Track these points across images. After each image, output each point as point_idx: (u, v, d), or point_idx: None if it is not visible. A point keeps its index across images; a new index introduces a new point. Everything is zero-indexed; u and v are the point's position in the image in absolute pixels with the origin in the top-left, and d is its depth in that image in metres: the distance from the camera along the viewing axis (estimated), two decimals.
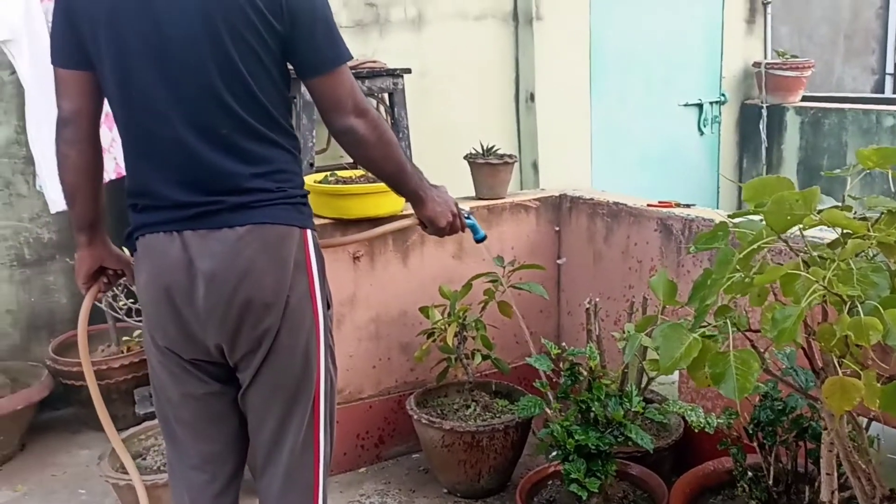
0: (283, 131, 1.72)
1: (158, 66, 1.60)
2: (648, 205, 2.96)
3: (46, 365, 3.44)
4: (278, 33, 1.63)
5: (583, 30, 4.67)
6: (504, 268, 2.91)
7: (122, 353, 3.50)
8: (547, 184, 4.51)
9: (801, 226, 1.31)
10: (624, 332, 2.46)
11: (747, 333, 1.46)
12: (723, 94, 5.19)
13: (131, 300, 2.68)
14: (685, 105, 5.10)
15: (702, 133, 5.18)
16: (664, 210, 2.88)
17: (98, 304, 2.79)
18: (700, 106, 5.14)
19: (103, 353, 3.54)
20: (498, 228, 3.23)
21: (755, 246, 1.27)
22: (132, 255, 1.76)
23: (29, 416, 3.31)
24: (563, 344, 2.61)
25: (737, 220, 1.45)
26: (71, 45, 1.64)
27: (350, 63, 1.76)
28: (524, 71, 4.62)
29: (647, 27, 4.87)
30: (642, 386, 2.57)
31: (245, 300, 1.66)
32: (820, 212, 1.32)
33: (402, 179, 1.90)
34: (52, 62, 1.68)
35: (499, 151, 3.29)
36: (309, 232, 1.76)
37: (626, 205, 3.03)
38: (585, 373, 2.34)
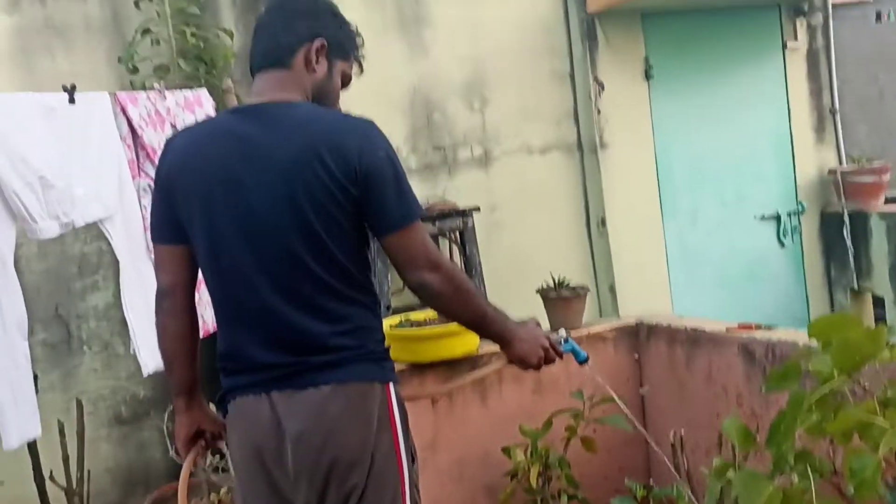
0: (362, 288, 1.78)
1: (245, 237, 1.70)
2: (728, 329, 2.89)
3: None
4: (353, 196, 1.69)
5: (648, 153, 4.74)
6: (585, 402, 2.86)
7: None
8: (626, 307, 4.48)
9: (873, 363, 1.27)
10: (712, 470, 2.35)
11: (833, 478, 1.39)
12: (800, 204, 5.11)
13: (217, 456, 2.73)
14: (762, 218, 5.04)
15: (783, 245, 5.07)
16: (745, 334, 2.80)
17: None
18: (777, 217, 5.06)
19: None
20: (575, 361, 3.19)
21: (826, 390, 1.22)
22: (224, 417, 1.83)
23: None
24: (651, 481, 2.52)
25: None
26: (168, 222, 1.78)
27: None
28: (593, 197, 4.69)
29: (714, 143, 4.90)
30: None
31: (332, 459, 1.69)
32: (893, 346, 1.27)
33: (483, 325, 1.90)
34: (152, 239, 1.83)
35: (570, 284, 3.31)
36: (391, 386, 1.78)
37: (704, 330, 2.97)
38: None
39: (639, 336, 3.29)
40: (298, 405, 1.70)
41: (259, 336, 1.73)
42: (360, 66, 1.90)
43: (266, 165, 1.69)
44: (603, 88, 4.51)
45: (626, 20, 4.67)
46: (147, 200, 2.87)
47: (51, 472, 3.26)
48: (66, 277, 3.68)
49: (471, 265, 3.86)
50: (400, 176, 1.74)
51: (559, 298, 3.21)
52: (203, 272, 1.81)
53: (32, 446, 3.17)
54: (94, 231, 3.64)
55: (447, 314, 1.87)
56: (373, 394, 1.74)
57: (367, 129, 1.72)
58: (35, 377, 3.15)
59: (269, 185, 1.68)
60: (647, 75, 4.71)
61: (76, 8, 3.69)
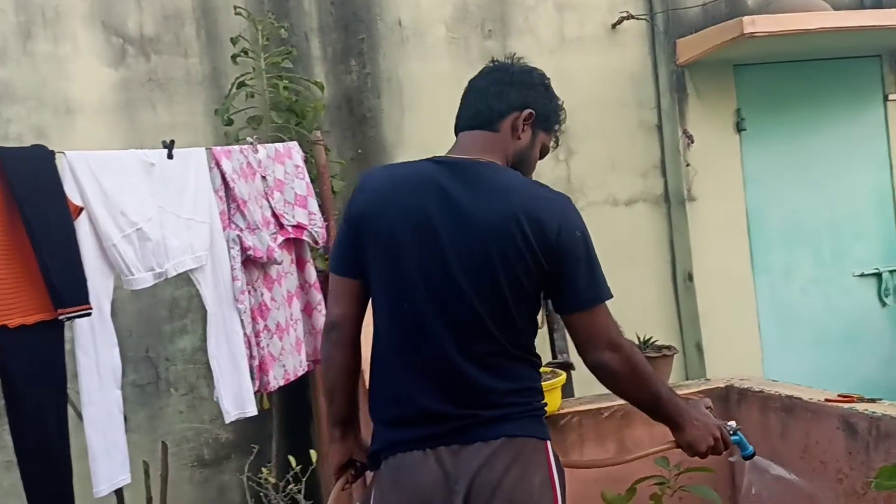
0: (531, 349, 1.82)
1: (430, 287, 1.73)
2: (827, 400, 2.73)
3: None
4: (545, 270, 1.73)
5: (739, 206, 4.59)
6: (670, 469, 2.74)
7: None
8: (714, 368, 4.31)
9: None
10: None
11: None
12: None
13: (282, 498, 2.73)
14: (861, 275, 4.79)
15: (884, 304, 4.81)
16: (845, 406, 2.64)
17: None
18: (879, 275, 4.81)
19: None
20: (661, 426, 3.07)
21: None
22: (373, 469, 1.82)
23: None
24: None
25: None
26: (351, 256, 1.81)
27: None
28: (680, 251, 4.57)
29: (810, 198, 4.71)
30: None
31: None
32: None
33: (657, 407, 1.92)
34: (331, 269, 1.86)
35: (657, 343, 3.20)
36: (549, 444, 1.80)
37: (801, 399, 2.81)
38: None
39: (729, 399, 3.14)
40: (468, 459, 1.70)
41: (432, 385, 1.74)
42: (557, 140, 1.97)
43: (464, 221, 1.72)
44: (692, 141, 4.41)
45: (718, 71, 4.57)
46: (236, 251, 2.94)
47: None
48: (156, 320, 3.79)
49: (552, 320, 3.79)
50: (592, 256, 1.77)
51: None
52: (377, 312, 1.81)
53: (118, 489, 3.25)
54: (185, 275, 3.75)
55: (623, 395, 1.88)
56: (539, 450, 1.76)
57: (565, 206, 1.77)
58: (124, 418, 3.26)
59: (464, 241, 1.72)
60: (739, 127, 4.58)
61: (178, 63, 3.86)
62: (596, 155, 4.52)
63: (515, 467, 1.71)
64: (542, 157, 1.95)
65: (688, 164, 4.43)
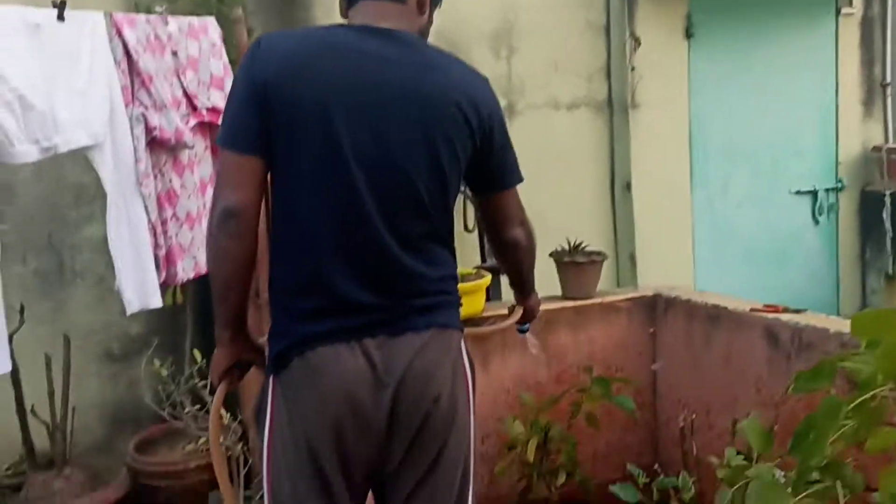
0: (452, 237, 1.75)
1: (365, 166, 1.58)
2: (752, 309, 2.68)
3: (126, 463, 3.41)
4: (476, 150, 1.69)
5: (682, 116, 4.48)
6: (592, 377, 2.69)
7: (201, 452, 3.42)
8: (645, 278, 4.27)
9: None
10: (723, 460, 2.17)
11: (865, 495, 1.19)
12: (840, 181, 4.83)
13: (196, 407, 2.60)
14: (797, 193, 4.77)
15: (817, 222, 4.81)
16: (770, 316, 2.59)
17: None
18: (814, 193, 4.79)
19: (184, 452, 3.48)
20: (586, 331, 3.01)
21: (866, 396, 1.03)
22: (278, 370, 1.63)
23: None
24: (657, 466, 2.35)
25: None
26: (254, 130, 1.57)
27: None
28: (620, 159, 4.45)
29: (753, 111, 4.62)
30: None
31: (429, 406, 1.62)
32: None
33: (531, 275, 2.06)
34: (226, 144, 1.59)
35: (587, 248, 3.10)
36: (462, 337, 1.75)
37: (726, 308, 2.76)
38: None
39: (656, 308, 3.09)
40: (397, 350, 1.60)
41: (357, 271, 1.60)
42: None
43: (401, 95, 1.60)
44: (639, 44, 4.24)
45: None
46: (139, 130, 2.69)
47: (32, 407, 3.16)
48: (61, 206, 3.53)
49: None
50: (509, 138, 1.79)
51: (573, 263, 3.00)
52: (287, 194, 1.61)
53: (15, 378, 3.06)
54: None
55: (519, 265, 1.99)
56: (458, 341, 1.71)
57: (489, 86, 1.75)
58: (21, 308, 3.04)
59: (402, 116, 1.60)
60: (688, 33, 4.41)
61: None
62: (539, 54, 4.31)
63: (444, 360, 1.65)
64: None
65: (633, 69, 4.26)
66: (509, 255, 1.94)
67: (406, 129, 1.60)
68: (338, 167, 1.58)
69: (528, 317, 2.24)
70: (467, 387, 1.72)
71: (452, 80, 1.66)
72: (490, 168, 1.74)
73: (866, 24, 4.82)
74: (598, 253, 3.06)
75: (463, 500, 1.72)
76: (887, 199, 4.71)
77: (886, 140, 4.89)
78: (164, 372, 2.61)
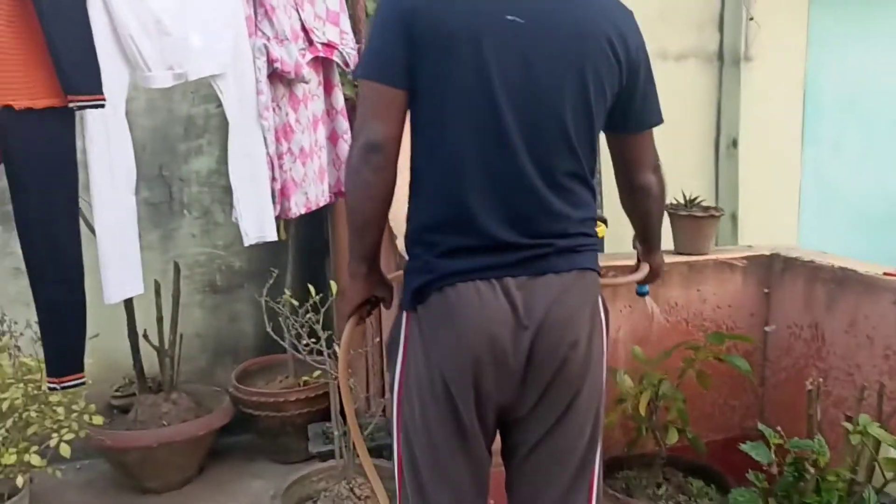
0: (593, 177, 1.70)
1: (515, 99, 1.54)
2: (885, 273, 2.56)
3: (228, 392, 3.50)
4: (622, 85, 1.63)
5: (797, 71, 4.26)
6: (707, 336, 2.62)
7: (300, 385, 3.49)
8: (746, 238, 4.13)
9: None
10: (856, 424, 2.10)
11: None
12: None
13: (313, 339, 2.62)
14: None
15: None
16: None
17: (273, 336, 2.77)
18: None
19: (280, 385, 3.56)
20: (699, 287, 2.93)
21: None
22: (415, 305, 1.62)
23: (209, 441, 3.36)
24: (779, 429, 2.27)
25: None
26: (400, 62, 1.54)
27: None
28: (727, 114, 4.28)
29: (873, 69, 4.36)
30: (877, 487, 2.18)
31: (565, 353, 1.58)
32: None
33: (660, 227, 1.97)
34: (373, 77, 1.55)
35: (703, 203, 3.00)
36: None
37: (855, 271, 2.64)
38: (812, 469, 2.00)
39: (772, 268, 2.98)
40: (539, 291, 1.56)
41: (502, 209, 1.56)
42: None
43: (550, 27, 1.55)
44: None
45: None
46: (262, 62, 2.68)
47: (145, 332, 3.25)
48: (171, 138, 3.58)
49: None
50: (652, 75, 1.72)
51: (690, 217, 2.91)
52: (437, 123, 1.57)
53: (129, 304, 3.15)
54: (203, 91, 3.52)
55: (649, 214, 1.90)
56: (597, 285, 1.67)
57: (634, 20, 1.68)
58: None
59: (552, 49, 1.54)
60: None
61: None
62: (647, 1, 4.13)
63: (585, 304, 1.61)
64: None
65: (751, 18, 4.07)
66: (641, 202, 1.85)
67: (556, 62, 1.55)
68: (486, 98, 1.53)
69: (652, 276, 2.09)
70: (602, 333, 1.69)
71: (602, 12, 1.60)
72: (633, 106, 1.68)
73: None
74: (716, 208, 2.96)
75: (592, 449, 1.70)
76: None
77: None
78: (294, 301, 2.62)
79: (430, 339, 1.60)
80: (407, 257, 1.70)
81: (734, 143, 4.25)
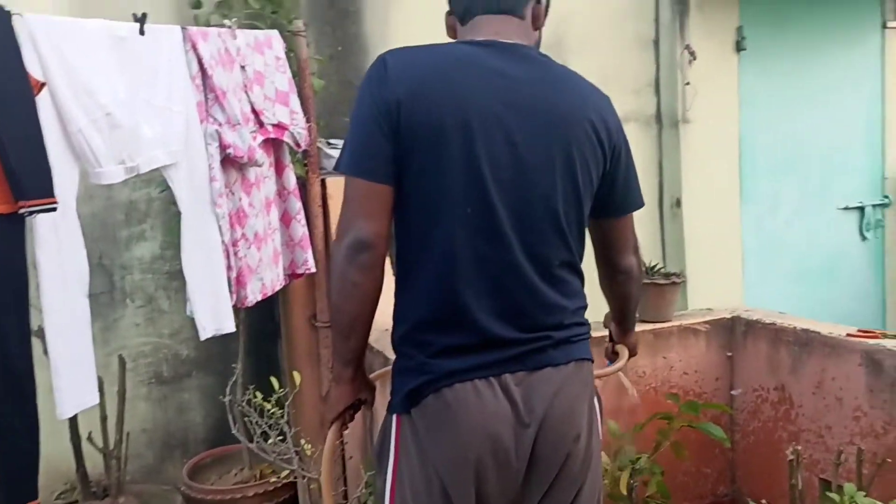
0: (580, 265, 1.66)
1: (507, 190, 1.50)
2: (848, 334, 2.60)
3: (180, 490, 3.29)
4: (604, 171, 1.61)
5: (732, 131, 4.40)
6: (679, 404, 2.60)
7: (256, 478, 3.31)
8: (695, 296, 4.18)
9: None
10: (841, 494, 2.09)
11: None
12: (886, 196, 4.77)
13: (280, 437, 2.49)
14: (845, 209, 4.70)
15: (864, 238, 4.75)
16: (870, 341, 2.51)
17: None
18: (861, 209, 4.73)
19: (236, 478, 3.37)
20: (666, 355, 2.92)
21: None
22: (408, 408, 1.53)
23: None
24: (763, 502, 2.26)
25: None
26: (387, 156, 1.48)
27: None
28: (669, 176, 4.37)
29: (802, 127, 4.55)
30: None
31: (569, 447, 1.55)
32: None
33: (636, 307, 1.94)
34: (357, 174, 1.49)
35: (662, 269, 3.02)
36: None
37: (819, 333, 2.68)
38: None
39: (734, 331, 3.01)
40: (538, 386, 1.52)
41: (496, 303, 1.51)
42: None
43: (536, 114, 1.52)
44: (694, 57, 4.16)
45: None
46: (214, 148, 2.59)
47: (89, 434, 3.04)
48: (111, 224, 3.42)
49: None
50: (632, 158, 1.71)
51: (653, 285, 2.92)
52: (427, 217, 1.50)
53: None
54: (145, 175, 3.37)
55: (629, 296, 1.86)
56: (592, 374, 1.65)
57: (612, 104, 1.67)
58: None
59: (541, 137, 1.52)
60: (739, 47, 4.34)
61: None
62: (587, 68, 4.10)
63: (582, 395, 1.58)
64: None
65: (687, 83, 4.19)
66: (622, 284, 1.82)
67: (544, 150, 1.53)
68: (477, 191, 1.49)
69: (630, 357, 2.07)
70: (598, 423, 1.66)
71: (584, 98, 1.60)
72: (616, 190, 1.66)
73: None
74: (678, 274, 2.98)
75: None
76: None
77: None
78: (265, 404, 2.49)
79: (427, 443, 1.52)
80: (394, 356, 1.63)
81: (678, 203, 4.33)
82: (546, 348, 1.54)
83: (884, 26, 4.69)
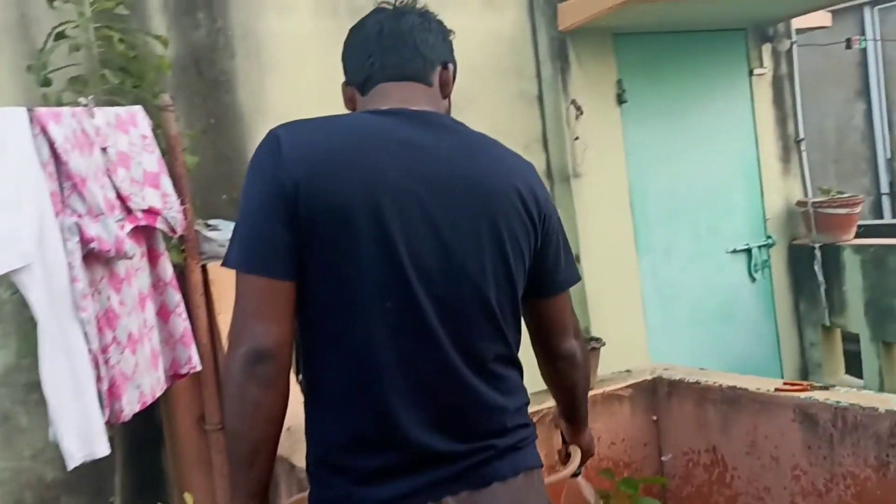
0: (517, 356, 1.45)
1: (430, 276, 1.29)
2: (777, 389, 2.51)
3: None
4: (535, 247, 1.41)
5: (621, 183, 4.40)
6: (616, 482, 2.43)
7: None
8: (602, 352, 4.08)
9: None
10: None
11: None
12: (769, 237, 4.89)
13: None
14: (733, 251, 4.77)
15: (753, 279, 4.82)
16: (801, 395, 2.43)
17: None
18: (749, 251, 4.81)
19: None
20: (593, 426, 2.73)
21: None
22: None
23: None
24: None
25: None
26: (287, 248, 1.25)
27: None
28: (565, 231, 4.28)
29: (686, 173, 4.62)
30: None
31: None
32: None
33: (586, 399, 1.71)
34: (252, 269, 1.25)
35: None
36: None
37: (746, 389, 2.58)
38: None
39: (657, 393, 2.88)
40: None
41: (428, 411, 1.30)
42: None
43: (460, 189, 1.32)
44: (581, 112, 4.13)
45: (598, 40, 4.32)
46: (74, 243, 2.25)
47: None
48: None
49: None
50: (563, 228, 1.53)
51: None
52: (338, 316, 1.28)
53: None
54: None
55: (574, 385, 1.64)
56: (543, 484, 1.46)
57: (537, 173, 1.50)
58: None
59: (463, 213, 1.32)
60: (620, 99, 4.36)
61: None
62: (474, 126, 4.11)
63: None
64: None
65: (576, 138, 4.15)
66: (565, 372, 1.59)
67: (470, 229, 1.33)
68: (396, 279, 1.27)
69: (584, 459, 1.80)
70: None
71: (508, 167, 1.42)
72: (547, 266, 1.46)
73: (777, 84, 4.96)
74: (597, 339, 2.84)
75: None
76: (818, 252, 4.78)
77: (805, 194, 5.01)
78: None
79: None
80: (311, 483, 1.36)
81: (577, 259, 4.23)
82: (490, 460, 1.34)
83: (750, 73, 4.86)
